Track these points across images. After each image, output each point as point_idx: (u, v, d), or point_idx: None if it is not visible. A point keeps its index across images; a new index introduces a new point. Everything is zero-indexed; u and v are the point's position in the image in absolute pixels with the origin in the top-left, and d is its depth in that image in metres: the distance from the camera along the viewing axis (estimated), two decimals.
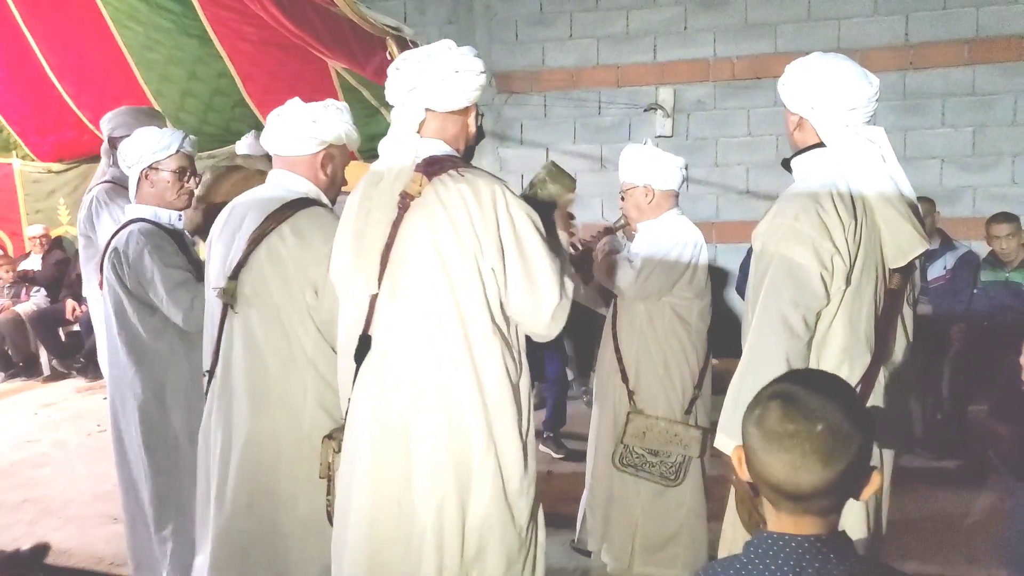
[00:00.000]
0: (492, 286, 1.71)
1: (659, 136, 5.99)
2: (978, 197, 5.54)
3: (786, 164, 1.94)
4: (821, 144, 1.83)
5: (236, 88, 4.05)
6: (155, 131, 2.63)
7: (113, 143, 3.25)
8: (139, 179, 2.58)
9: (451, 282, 1.68)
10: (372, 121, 4.09)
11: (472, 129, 1.86)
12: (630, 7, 6.03)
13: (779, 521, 1.11)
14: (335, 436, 1.95)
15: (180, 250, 2.56)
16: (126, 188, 2.82)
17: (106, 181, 3.30)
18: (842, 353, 1.75)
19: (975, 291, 4.44)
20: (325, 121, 2.09)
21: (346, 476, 1.80)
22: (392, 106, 1.83)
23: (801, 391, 1.07)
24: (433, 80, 1.76)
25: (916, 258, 1.81)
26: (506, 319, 1.76)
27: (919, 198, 4.40)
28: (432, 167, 1.73)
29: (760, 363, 1.68)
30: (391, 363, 1.73)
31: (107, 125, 3.33)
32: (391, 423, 1.72)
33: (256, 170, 2.57)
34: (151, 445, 2.55)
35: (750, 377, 1.68)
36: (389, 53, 3.24)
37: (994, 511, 3.59)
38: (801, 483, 1.05)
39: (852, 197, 1.75)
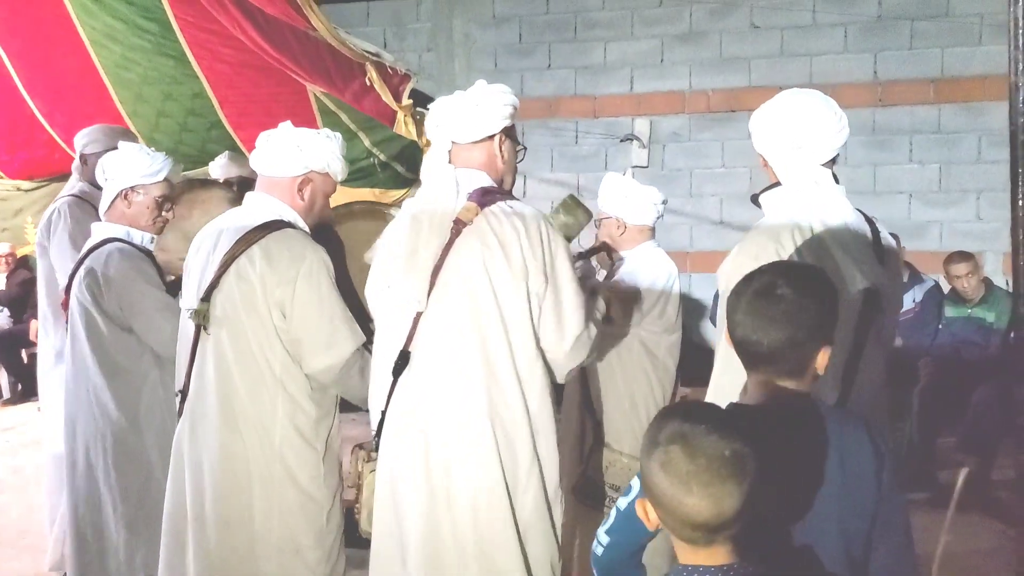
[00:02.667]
0: (536, 310, 1.85)
1: (635, 166, 6.06)
2: (945, 232, 5.67)
3: (755, 199, 1.97)
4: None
5: (212, 109, 4.03)
6: (145, 152, 2.58)
7: (84, 159, 3.23)
8: (116, 197, 2.53)
9: (499, 304, 1.81)
10: (350, 145, 4.05)
11: (505, 156, 1.99)
12: (608, 39, 6.13)
13: (694, 555, 1.14)
14: (366, 446, 2.02)
15: (156, 271, 2.52)
16: (91, 204, 2.79)
17: (72, 194, 3.26)
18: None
19: (939, 326, 4.51)
20: (311, 148, 2.12)
21: (388, 487, 1.88)
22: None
23: (690, 425, 1.11)
24: (451, 114, 1.93)
25: (882, 296, 1.80)
26: None
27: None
28: (485, 197, 1.87)
29: (721, 401, 1.71)
30: (434, 377, 1.83)
31: (80, 141, 3.29)
32: (439, 432, 1.82)
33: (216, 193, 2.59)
34: (123, 469, 2.48)
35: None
36: (368, 79, 3.24)
37: (961, 543, 3.62)
38: (724, 511, 1.08)
39: (813, 233, 1.78)
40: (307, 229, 2.17)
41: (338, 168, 2.20)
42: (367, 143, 3.97)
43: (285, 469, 2.02)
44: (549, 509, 1.86)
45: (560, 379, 1.95)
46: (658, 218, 2.83)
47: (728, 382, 1.65)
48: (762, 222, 1.87)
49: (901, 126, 5.67)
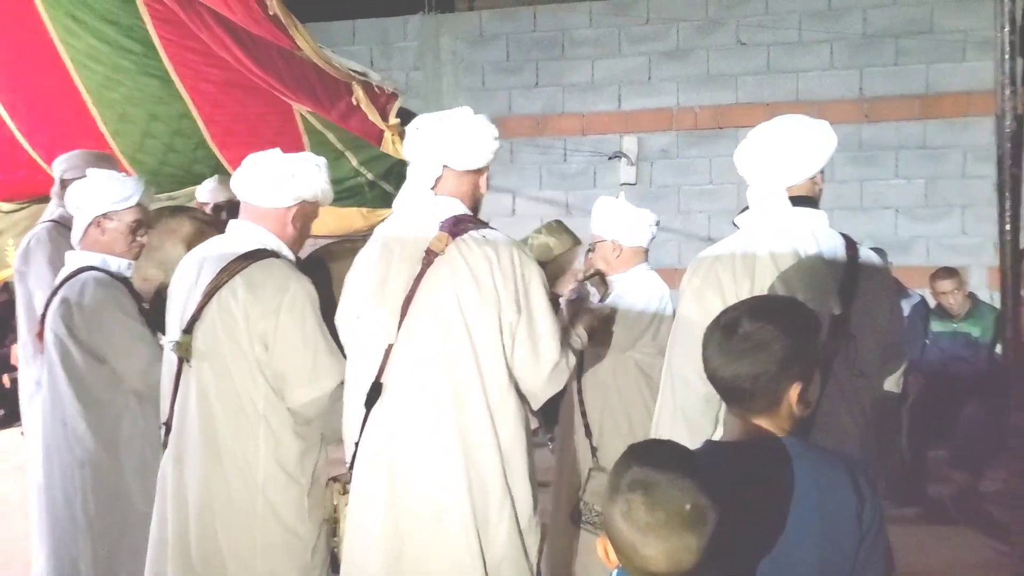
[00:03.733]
0: (509, 341, 1.82)
1: (624, 184, 6.07)
2: (931, 247, 5.69)
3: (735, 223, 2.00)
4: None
5: (198, 130, 3.99)
6: (114, 178, 2.53)
7: (64, 185, 3.18)
8: (88, 225, 2.47)
9: (471, 335, 1.79)
10: (336, 165, 4.05)
11: (483, 190, 1.98)
12: (595, 56, 6.16)
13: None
14: (340, 478, 1.99)
15: (133, 297, 2.48)
16: (70, 229, 2.76)
17: (51, 220, 3.22)
18: None
19: (926, 342, 4.52)
20: (304, 177, 2.08)
21: (358, 519, 1.87)
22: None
23: (653, 474, 1.10)
24: (453, 138, 1.88)
25: (851, 322, 1.77)
26: None
27: (874, 248, 4.42)
28: (457, 227, 1.84)
29: (660, 418, 1.79)
30: (405, 410, 1.80)
31: (59, 167, 3.26)
32: (406, 467, 1.80)
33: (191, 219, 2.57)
34: (101, 501, 2.41)
35: (656, 432, 1.78)
36: (355, 98, 3.23)
37: (952, 558, 3.60)
38: (682, 564, 1.07)
39: (756, 258, 1.78)
40: (292, 258, 2.13)
41: (327, 195, 2.18)
42: (354, 162, 3.95)
43: (268, 505, 1.98)
44: (522, 540, 1.83)
45: (535, 407, 1.92)
46: (652, 239, 2.83)
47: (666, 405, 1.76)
48: (710, 247, 1.89)
49: (887, 142, 5.71)
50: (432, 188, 1.91)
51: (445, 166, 1.89)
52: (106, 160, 3.30)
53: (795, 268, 1.77)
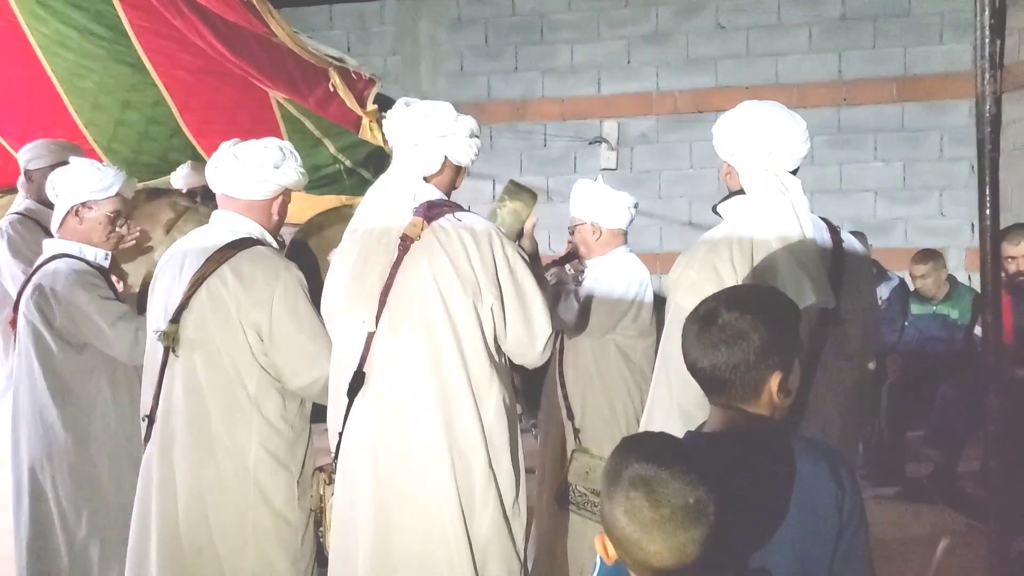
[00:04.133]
0: (489, 323, 1.84)
1: (604, 169, 6.06)
2: (909, 229, 5.75)
3: (716, 210, 1.97)
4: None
5: (173, 117, 3.93)
6: (96, 167, 2.52)
7: (29, 175, 3.16)
8: (67, 213, 2.46)
9: (452, 320, 1.79)
10: (314, 152, 4.01)
11: (458, 185, 2.02)
12: (574, 40, 6.12)
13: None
14: (326, 468, 2.00)
15: (109, 287, 2.47)
16: (36, 221, 2.72)
17: (17, 212, 3.17)
18: None
19: (905, 323, 4.57)
20: (286, 168, 2.11)
21: (345, 509, 1.87)
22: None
23: (654, 470, 1.10)
24: (461, 134, 1.91)
25: (840, 308, 1.78)
26: (500, 352, 1.90)
27: (852, 232, 4.48)
28: (431, 211, 1.85)
29: (651, 415, 1.77)
30: (388, 398, 1.81)
31: (23, 157, 3.22)
32: (391, 455, 1.80)
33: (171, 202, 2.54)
34: (72, 492, 2.40)
35: (648, 426, 1.76)
36: (332, 84, 3.18)
37: (928, 535, 3.66)
38: (686, 557, 1.09)
39: (753, 245, 1.76)
40: (275, 245, 2.16)
41: (303, 180, 2.20)
42: (332, 149, 3.91)
43: (259, 492, 2.00)
44: (508, 525, 1.84)
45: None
46: (631, 221, 2.83)
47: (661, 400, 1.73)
48: (706, 233, 1.87)
49: (866, 124, 5.74)
50: (426, 178, 1.92)
51: (448, 158, 1.91)
52: (72, 149, 3.25)
53: (793, 255, 1.75)
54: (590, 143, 6.15)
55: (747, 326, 1.27)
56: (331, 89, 3.20)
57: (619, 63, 6.08)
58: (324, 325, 2.04)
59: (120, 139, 4.12)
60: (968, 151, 5.57)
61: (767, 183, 1.80)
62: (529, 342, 1.87)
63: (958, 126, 5.56)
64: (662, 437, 1.21)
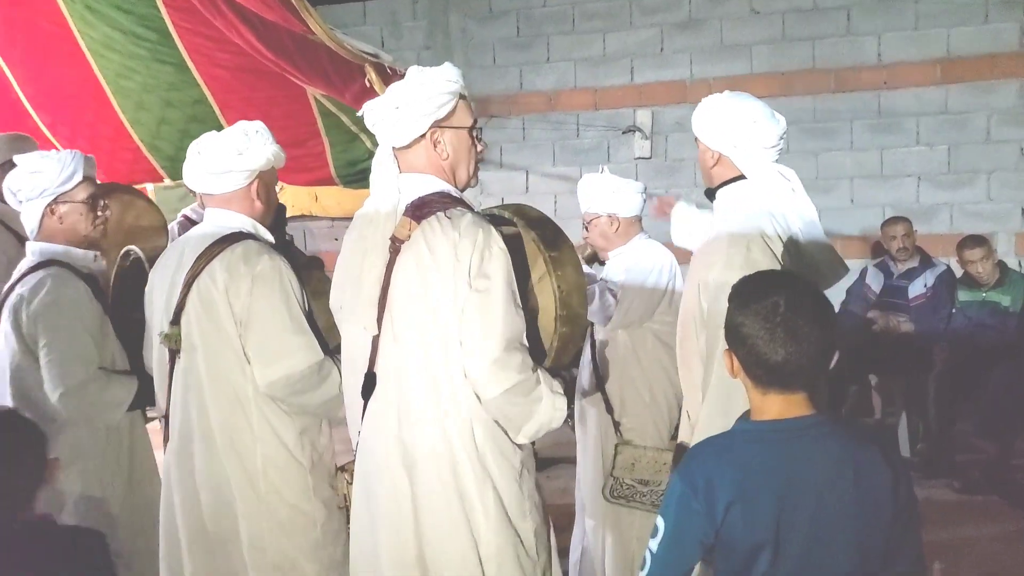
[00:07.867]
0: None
1: (638, 158, 6.01)
2: (955, 214, 5.60)
3: (710, 195, 1.99)
4: (742, 177, 1.92)
5: (214, 115, 4.01)
6: (52, 157, 2.26)
7: None
8: (42, 216, 2.25)
9: (444, 324, 1.70)
10: (352, 147, 4.06)
11: (449, 149, 1.80)
12: (606, 29, 6.08)
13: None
14: (348, 468, 1.97)
15: (95, 297, 2.29)
16: (2, 224, 2.59)
17: None
18: None
19: (953, 310, 4.46)
20: (251, 151, 2.04)
21: (362, 509, 1.83)
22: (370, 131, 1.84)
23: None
24: (381, 120, 1.77)
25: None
26: None
27: (895, 217, 4.48)
28: (421, 210, 1.74)
29: (707, 421, 1.76)
30: (393, 398, 1.76)
31: None
32: (399, 457, 1.75)
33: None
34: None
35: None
36: (368, 80, 3.22)
37: (980, 530, 3.58)
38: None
39: (780, 234, 1.84)
40: (270, 239, 2.12)
41: (279, 156, 2.11)
42: (369, 144, 3.95)
43: (270, 487, 2.00)
44: (516, 532, 1.75)
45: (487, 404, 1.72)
46: (644, 206, 2.84)
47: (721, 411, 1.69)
48: (731, 221, 1.88)
49: (907, 108, 5.60)
50: (421, 165, 1.80)
51: (392, 147, 1.78)
52: (24, 141, 3.13)
53: (817, 238, 1.86)
54: (623, 132, 6.10)
55: (810, 316, 1.33)
56: (367, 84, 3.23)
57: (652, 51, 6.01)
58: (303, 323, 2.00)
59: (163, 137, 4.21)
60: (1016, 133, 5.41)
61: (769, 170, 1.88)
62: (480, 349, 1.67)
63: (1006, 107, 5.40)
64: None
